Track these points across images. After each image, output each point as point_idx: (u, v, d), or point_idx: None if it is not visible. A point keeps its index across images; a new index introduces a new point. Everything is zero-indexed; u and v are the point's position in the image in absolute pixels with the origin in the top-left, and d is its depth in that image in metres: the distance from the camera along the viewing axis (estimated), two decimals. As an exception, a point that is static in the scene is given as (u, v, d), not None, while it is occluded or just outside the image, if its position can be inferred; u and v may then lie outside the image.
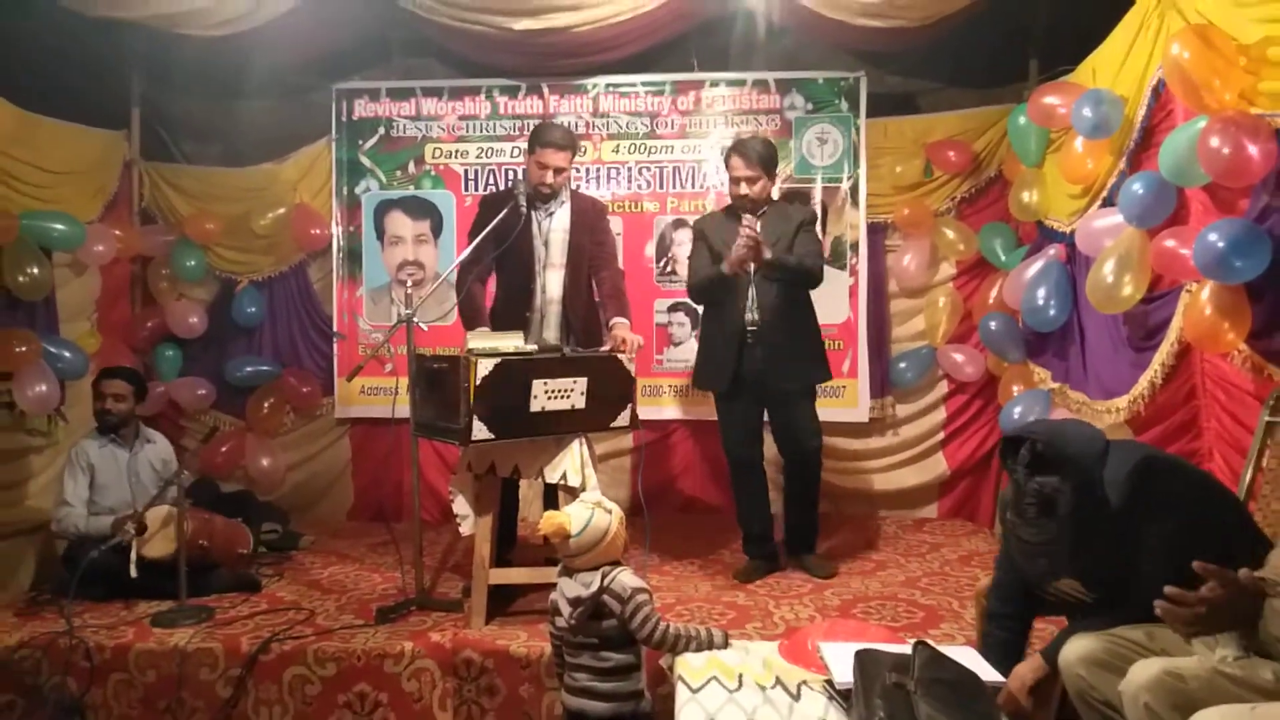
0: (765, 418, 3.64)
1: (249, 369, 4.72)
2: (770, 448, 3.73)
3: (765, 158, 3.49)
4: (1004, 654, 2.36)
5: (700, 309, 3.86)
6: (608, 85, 4.68)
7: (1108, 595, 2.21)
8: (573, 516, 2.31)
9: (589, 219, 3.61)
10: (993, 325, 4.22)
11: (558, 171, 3.48)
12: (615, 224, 4.03)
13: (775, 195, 3.77)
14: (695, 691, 2.18)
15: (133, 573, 3.30)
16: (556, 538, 2.29)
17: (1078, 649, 2.03)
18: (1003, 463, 2.26)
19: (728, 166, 3.55)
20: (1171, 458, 2.32)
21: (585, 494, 2.45)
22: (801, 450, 3.57)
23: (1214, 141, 2.55)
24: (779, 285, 3.46)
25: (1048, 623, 2.79)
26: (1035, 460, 2.09)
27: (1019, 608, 2.39)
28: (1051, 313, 3.75)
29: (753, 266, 3.43)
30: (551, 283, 3.55)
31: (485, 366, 2.89)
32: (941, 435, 4.63)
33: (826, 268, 4.43)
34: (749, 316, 3.46)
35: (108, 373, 3.76)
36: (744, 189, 3.47)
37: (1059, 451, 2.07)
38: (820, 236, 3.58)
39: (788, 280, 3.45)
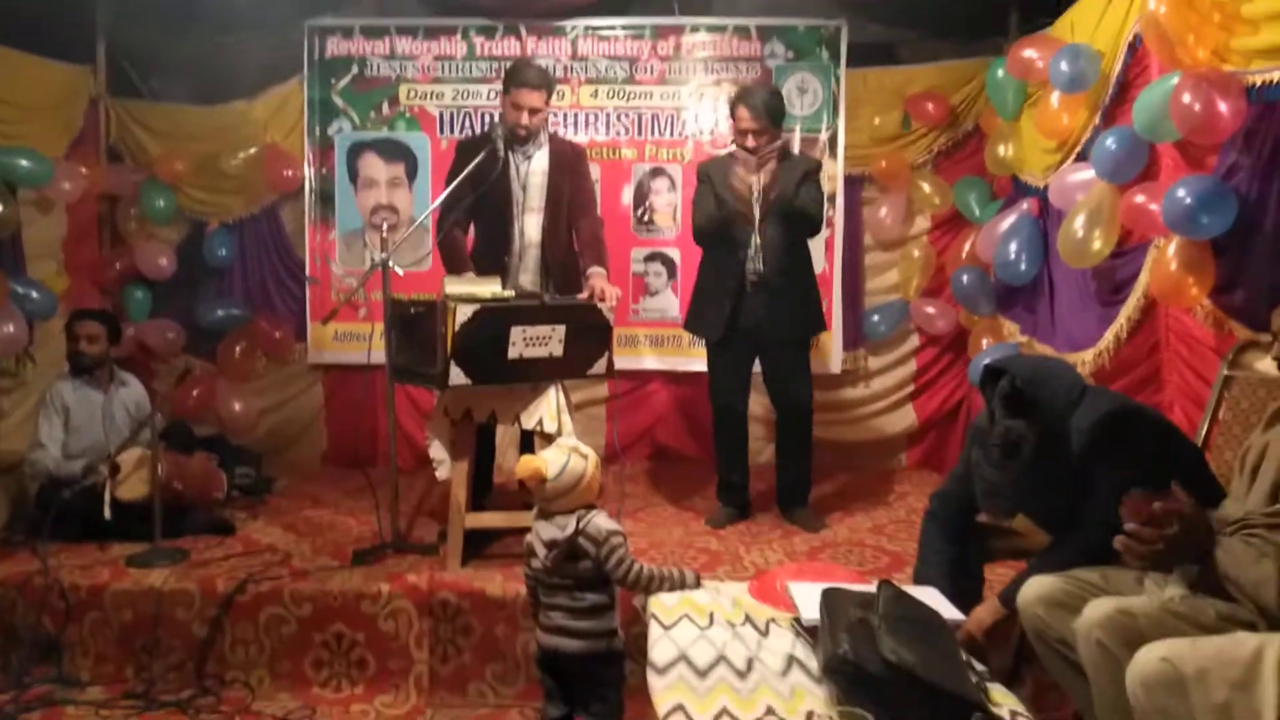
0: (755, 368, 3.65)
1: (220, 312, 4.68)
2: (755, 402, 3.74)
3: (773, 109, 3.43)
4: (932, 551, 2.54)
5: (693, 258, 3.82)
6: (586, 28, 4.62)
7: (1063, 536, 2.30)
8: (549, 461, 2.33)
9: (568, 162, 3.58)
10: (965, 279, 4.28)
11: (533, 112, 3.43)
12: (593, 171, 3.98)
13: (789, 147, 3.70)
14: (667, 629, 2.23)
15: (106, 514, 3.30)
16: (533, 481, 2.32)
17: (1035, 590, 2.11)
18: (981, 390, 2.33)
19: (733, 116, 3.49)
20: (1140, 408, 2.39)
21: (561, 439, 2.47)
22: (794, 402, 3.59)
23: (1186, 98, 2.59)
24: (784, 235, 3.43)
25: (1008, 568, 2.90)
26: (1012, 395, 2.15)
27: (955, 517, 2.54)
28: (1022, 267, 3.80)
29: (758, 214, 3.41)
30: (530, 226, 3.53)
31: (464, 313, 2.89)
32: (912, 387, 4.70)
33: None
34: (751, 265, 3.43)
35: (81, 314, 3.72)
36: (750, 141, 3.41)
37: (1035, 393, 2.14)
38: (822, 186, 3.53)
39: (793, 226, 3.43)
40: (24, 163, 3.87)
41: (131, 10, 4.63)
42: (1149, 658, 1.68)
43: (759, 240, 3.44)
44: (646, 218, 4.67)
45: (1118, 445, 2.16)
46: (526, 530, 3.23)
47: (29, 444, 3.56)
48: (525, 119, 3.43)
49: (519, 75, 3.44)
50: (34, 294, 3.91)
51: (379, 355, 3.30)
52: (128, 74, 4.76)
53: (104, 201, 4.67)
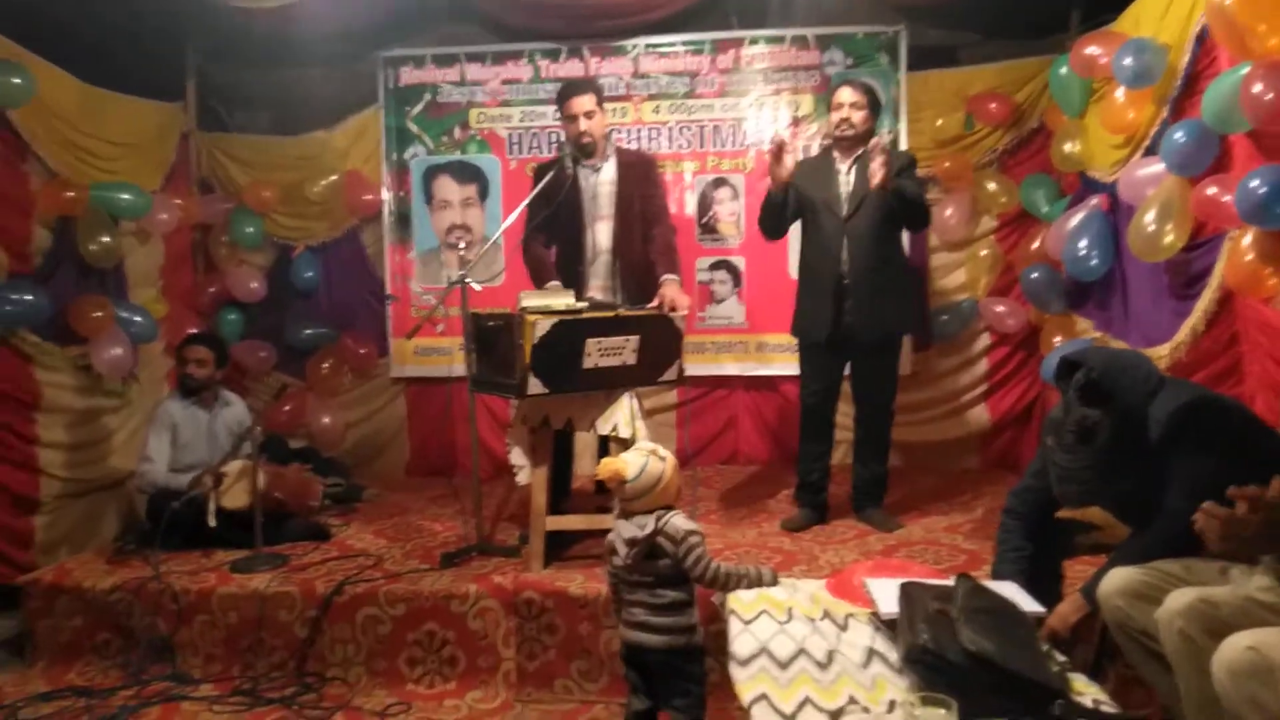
0: (846, 371, 3.66)
1: (308, 331, 4.91)
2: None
3: (871, 90, 3.49)
4: (1010, 549, 2.54)
5: (759, 265, 3.83)
6: (647, 46, 4.74)
7: (1141, 527, 2.30)
8: (629, 462, 2.42)
9: (637, 171, 3.68)
10: (1034, 276, 4.26)
11: (588, 115, 3.54)
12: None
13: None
14: (747, 623, 2.30)
15: (211, 522, 3.51)
16: (613, 482, 2.41)
17: (1116, 581, 2.12)
18: (1056, 383, 2.34)
19: (833, 103, 3.52)
20: (1221, 399, 2.38)
21: (641, 442, 2.55)
22: (878, 402, 3.61)
23: (1257, 87, 2.57)
24: (871, 233, 3.43)
25: (1087, 564, 2.89)
26: (1088, 387, 2.17)
27: (1033, 513, 2.54)
28: (1093, 263, 3.77)
29: (845, 212, 3.45)
30: (601, 234, 3.65)
31: (543, 326, 3.00)
32: (984, 387, 4.68)
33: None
34: (843, 268, 3.45)
35: (192, 339, 3.95)
36: (850, 113, 3.44)
37: (1111, 383, 2.15)
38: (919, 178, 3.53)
39: (908, 217, 3.43)
40: (125, 197, 4.13)
41: (217, 50, 4.93)
42: (1235, 646, 1.69)
43: (847, 241, 3.45)
44: (710, 226, 4.75)
45: (1197, 434, 2.15)
46: (604, 532, 3.33)
47: (138, 458, 3.79)
48: (583, 125, 3.55)
49: (564, 91, 3.62)
50: (137, 319, 4.16)
51: (459, 369, 3.44)
52: (215, 110, 5.05)
53: (197, 230, 4.94)
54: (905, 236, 4.19)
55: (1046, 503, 2.52)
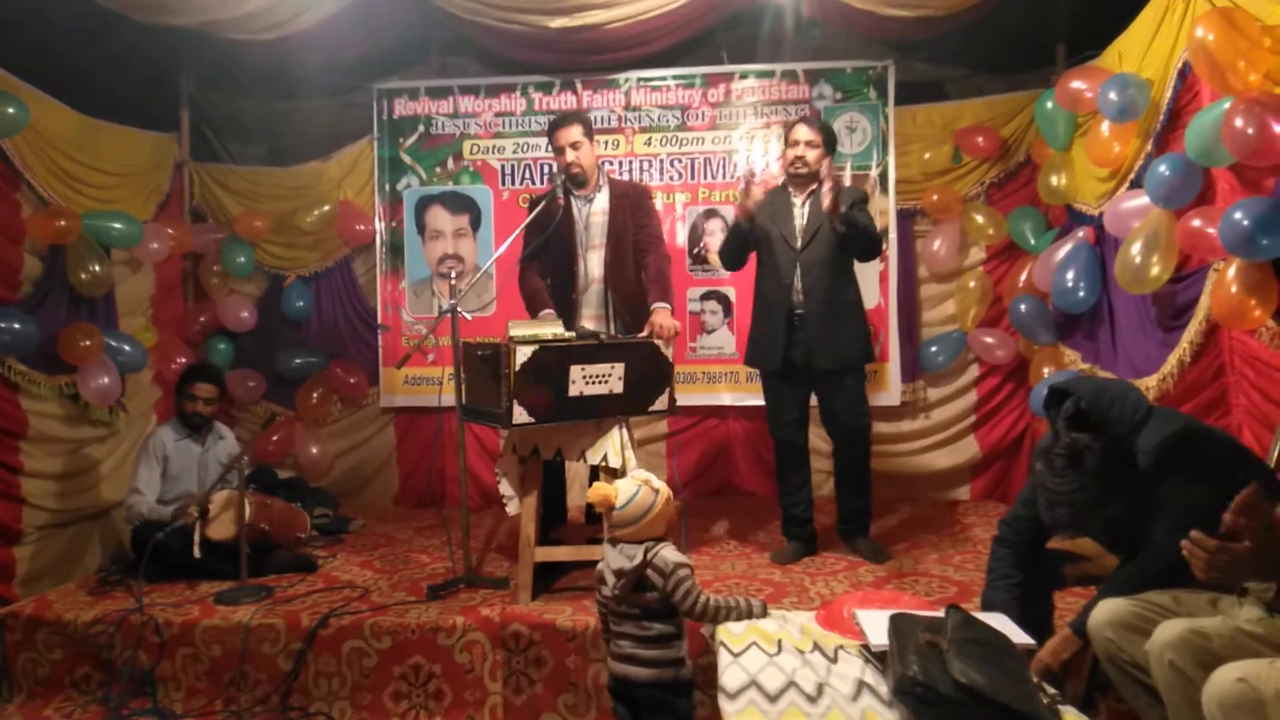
0: (813, 401, 3.68)
1: (298, 361, 4.90)
2: (818, 435, 3.77)
3: (826, 129, 3.58)
4: (999, 577, 2.52)
5: (749, 295, 3.86)
6: (639, 79, 4.79)
7: (1131, 558, 2.30)
8: (620, 489, 2.41)
9: (629, 201, 3.71)
10: (1023, 308, 4.28)
11: (574, 146, 3.59)
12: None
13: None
14: (736, 656, 2.28)
15: (196, 553, 3.47)
16: (602, 507, 2.41)
17: (1106, 613, 2.11)
18: (1045, 412, 2.35)
19: (788, 139, 3.60)
20: (1208, 428, 2.39)
21: (636, 471, 2.53)
22: (848, 431, 3.60)
23: (1239, 122, 2.61)
24: (824, 265, 3.49)
25: (1077, 595, 2.88)
26: (1077, 416, 2.17)
27: (1024, 543, 2.53)
28: (1081, 294, 3.80)
29: (799, 244, 3.50)
30: (593, 263, 3.66)
31: (523, 354, 3.02)
32: (973, 418, 4.69)
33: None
34: (795, 299, 3.51)
35: (198, 375, 3.92)
36: (804, 151, 3.51)
37: (1100, 412, 2.16)
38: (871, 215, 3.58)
39: (859, 246, 3.45)
40: (116, 226, 4.13)
41: (212, 81, 4.97)
42: (1225, 678, 1.68)
43: (799, 271, 3.51)
44: (701, 256, 4.78)
45: (1186, 464, 2.16)
46: (594, 563, 3.30)
47: (127, 489, 3.75)
48: (570, 156, 3.59)
49: (551, 124, 3.68)
50: (126, 347, 4.14)
51: (449, 399, 3.43)
52: (209, 140, 5.07)
53: (188, 259, 4.94)
54: (863, 270, 4.20)
55: (1037, 531, 2.52)
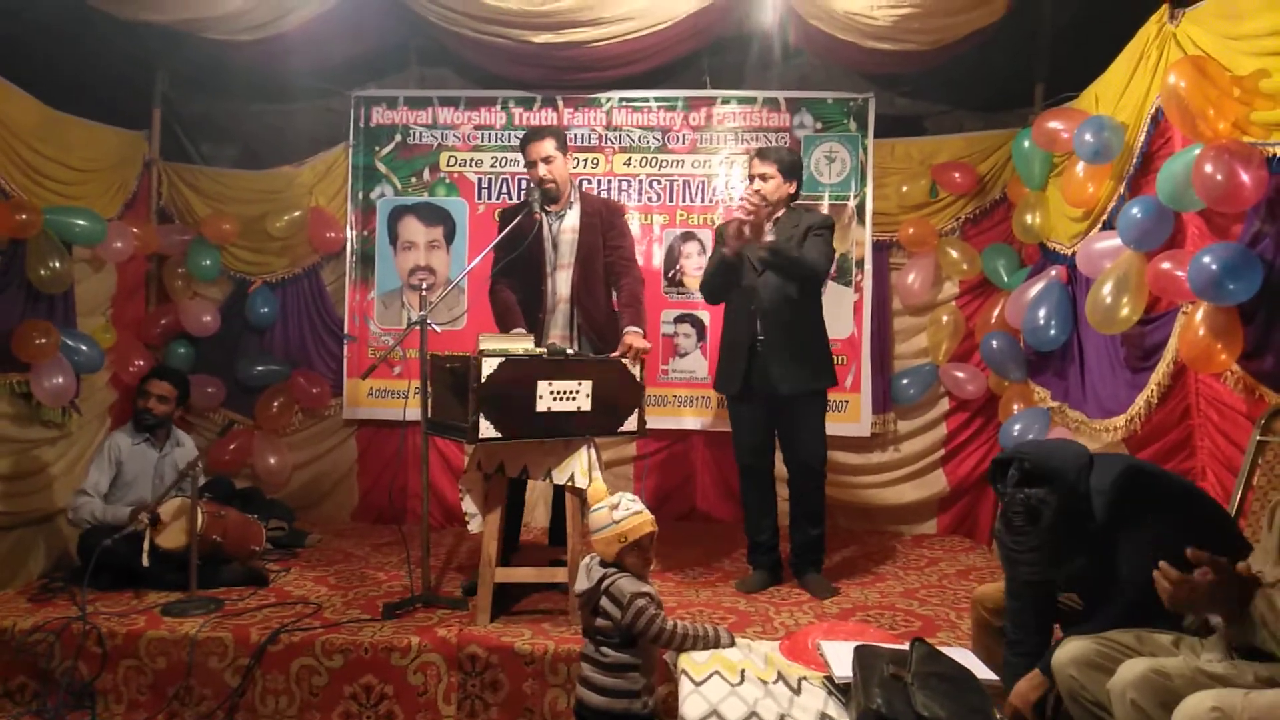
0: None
1: (260, 368, 4.79)
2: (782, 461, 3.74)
3: (782, 159, 3.55)
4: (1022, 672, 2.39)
5: (711, 317, 3.88)
6: (621, 99, 4.79)
7: (1096, 601, 2.29)
8: (599, 497, 2.41)
9: (602, 219, 3.68)
10: (994, 344, 4.30)
11: (546, 160, 3.56)
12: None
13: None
14: (698, 685, 2.24)
15: (144, 561, 3.37)
16: (590, 500, 2.39)
17: (1070, 651, 2.10)
18: (992, 484, 2.34)
19: (749, 168, 3.62)
20: (1153, 467, 2.41)
21: (625, 495, 2.48)
22: (802, 461, 3.58)
23: (1208, 168, 2.65)
24: (782, 292, 3.47)
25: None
26: (1024, 478, 2.17)
27: (1034, 632, 2.43)
28: (1052, 333, 3.83)
29: (758, 271, 3.48)
30: (561, 283, 3.63)
31: (490, 365, 2.98)
32: (942, 452, 4.70)
33: (832, 284, 4.56)
34: (757, 323, 3.49)
35: (157, 373, 3.82)
36: (755, 184, 3.51)
37: (1045, 467, 2.16)
38: (830, 240, 3.55)
39: (786, 272, 3.44)
40: (80, 222, 4.03)
41: (188, 80, 4.88)
42: (1199, 706, 1.68)
43: (761, 295, 3.50)
44: (677, 279, 4.76)
45: (1142, 500, 2.16)
46: (555, 586, 3.27)
47: (74, 490, 3.64)
48: (542, 170, 3.56)
49: (525, 136, 3.66)
50: (83, 347, 4.03)
51: (413, 412, 3.37)
52: (180, 139, 4.98)
53: (152, 259, 4.83)
54: (837, 300, 4.45)
55: (1040, 613, 2.44)
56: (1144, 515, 2.13)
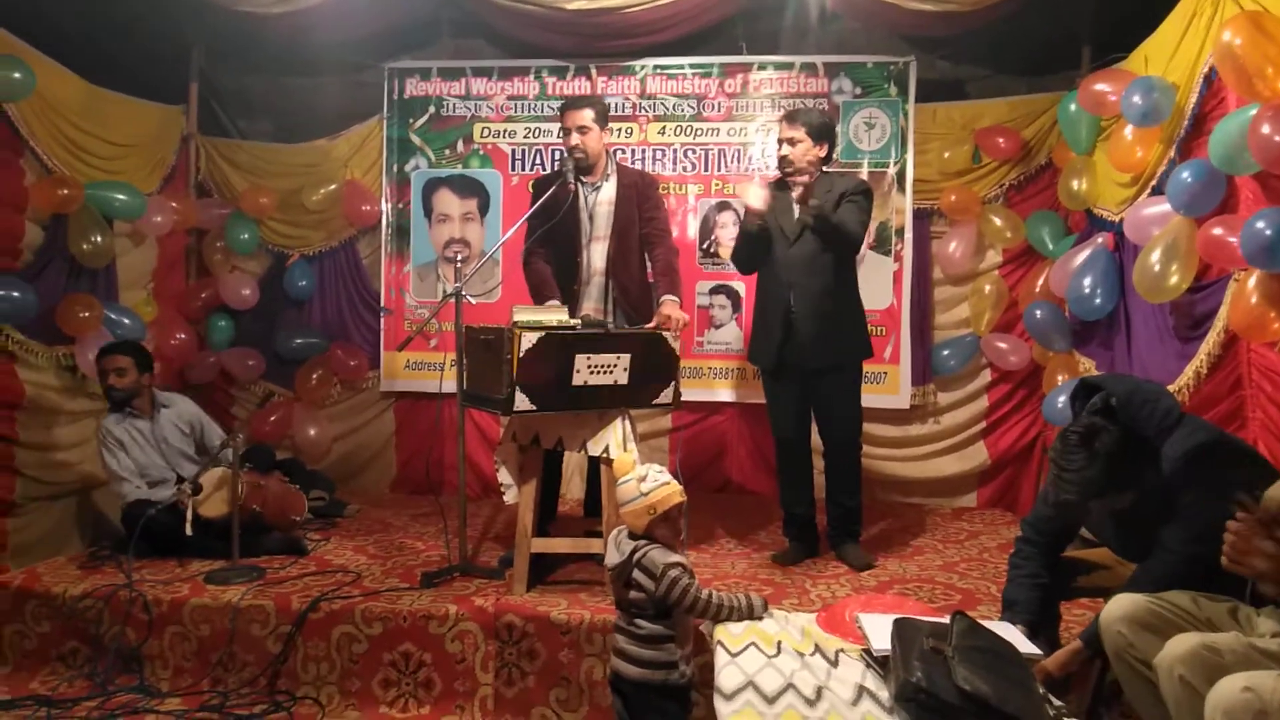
0: None
1: (298, 341, 4.84)
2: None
3: (811, 122, 3.44)
4: (1024, 575, 2.47)
5: (747, 288, 3.83)
6: (655, 67, 4.72)
7: (1132, 551, 2.26)
8: (627, 469, 2.42)
9: (638, 191, 3.64)
10: (1038, 314, 4.21)
11: (581, 131, 3.53)
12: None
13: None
14: (734, 656, 2.23)
15: (188, 531, 3.42)
16: (617, 472, 2.44)
17: (1121, 607, 2.06)
18: (1071, 403, 2.29)
19: (779, 133, 3.53)
20: (1237, 442, 2.34)
21: (654, 467, 2.46)
22: (837, 433, 3.54)
23: (1265, 129, 2.55)
24: (817, 260, 3.40)
25: (1084, 608, 2.83)
26: (1104, 411, 2.13)
27: (1048, 540, 2.49)
28: (1098, 301, 3.73)
29: (793, 237, 3.43)
30: (596, 255, 3.60)
31: (529, 340, 2.96)
32: (983, 424, 4.62)
33: (871, 253, 4.49)
34: (791, 294, 3.43)
35: (107, 349, 3.74)
36: (784, 149, 3.44)
37: (1130, 412, 2.11)
38: (867, 207, 3.46)
39: (826, 238, 3.37)
40: (120, 197, 4.08)
41: (223, 55, 4.91)
42: (1231, 687, 1.65)
43: (795, 265, 3.44)
44: (712, 250, 4.71)
45: (1209, 476, 2.11)
46: (591, 557, 3.27)
47: (113, 481, 3.67)
48: (575, 139, 3.53)
49: (565, 103, 3.65)
50: (126, 320, 4.10)
51: (450, 384, 3.38)
52: (217, 114, 5.01)
53: (192, 234, 4.89)
54: (876, 270, 4.39)
55: (1060, 531, 2.48)
56: (1209, 490, 2.06)
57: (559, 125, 3.73)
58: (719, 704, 2.09)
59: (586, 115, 3.54)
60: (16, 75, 3.46)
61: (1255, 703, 1.58)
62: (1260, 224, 2.57)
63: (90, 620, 3.14)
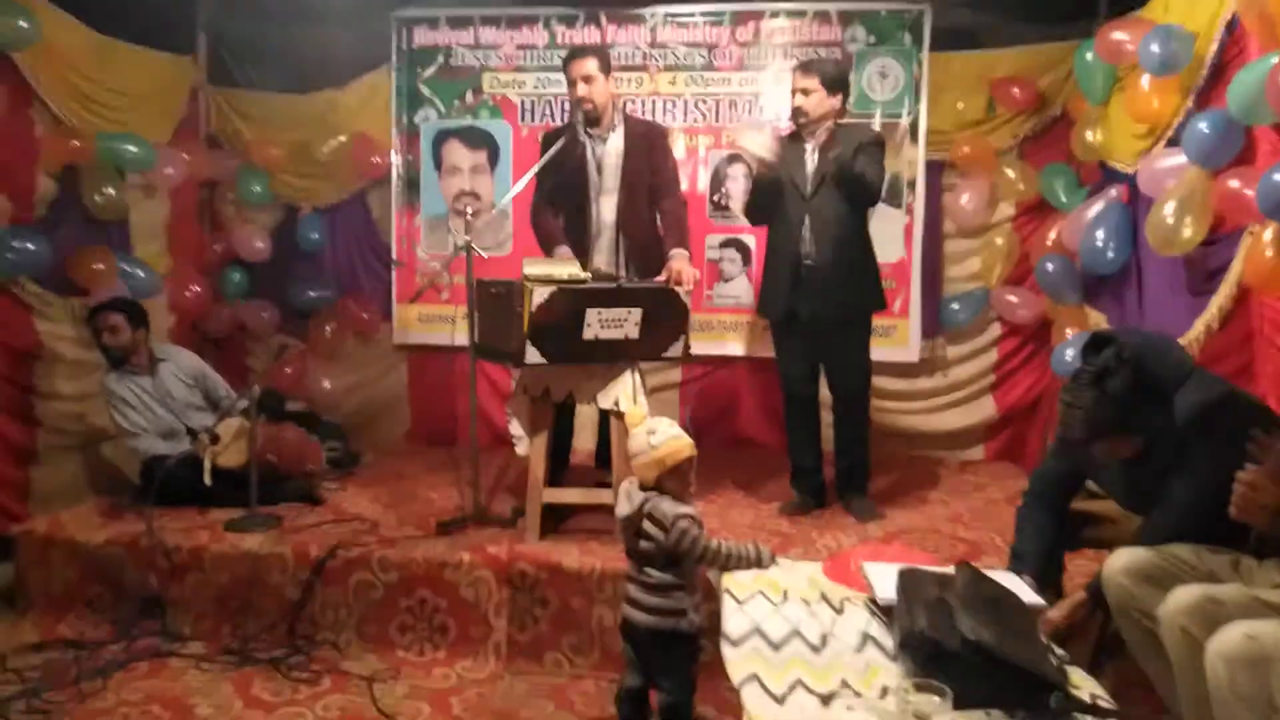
0: None
1: (311, 293, 4.87)
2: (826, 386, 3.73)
3: (825, 72, 3.41)
4: (1030, 530, 2.52)
5: (757, 241, 3.83)
6: (666, 15, 4.65)
7: (1137, 502, 2.28)
8: (638, 422, 2.44)
9: (646, 142, 3.62)
10: (1050, 267, 4.19)
11: (587, 80, 3.49)
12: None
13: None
14: (741, 603, 2.27)
15: (206, 480, 3.48)
16: (629, 425, 2.47)
17: (1123, 559, 2.09)
18: (1082, 358, 2.30)
19: (792, 84, 3.49)
20: (1249, 398, 2.34)
21: (663, 421, 2.47)
22: (847, 385, 3.56)
23: (1288, 78, 2.50)
24: (835, 209, 3.40)
25: (1088, 559, 2.86)
26: (1116, 364, 2.13)
27: (1056, 491, 2.54)
28: (1110, 255, 3.72)
29: (809, 189, 3.41)
30: (605, 208, 3.59)
31: (541, 295, 2.96)
32: (992, 378, 4.63)
33: (882, 205, 4.43)
34: (804, 249, 3.44)
35: (100, 307, 3.72)
36: (797, 99, 3.41)
37: (1142, 365, 2.12)
38: (881, 159, 3.44)
39: (849, 188, 3.35)
40: (131, 149, 4.07)
41: (231, 4, 4.84)
42: (1233, 634, 1.67)
43: (809, 222, 3.42)
44: (723, 203, 4.69)
45: (1218, 431, 2.11)
46: (602, 507, 3.32)
47: (126, 438, 3.70)
48: (581, 90, 3.49)
49: (568, 55, 3.60)
50: (139, 273, 4.13)
51: (461, 337, 3.40)
52: (226, 64, 4.98)
53: (204, 187, 4.89)
54: (886, 222, 4.34)
55: (1067, 482, 2.52)
56: (1219, 445, 2.06)
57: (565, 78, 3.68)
58: (726, 649, 2.14)
59: (590, 65, 3.50)
60: (22, 23, 3.44)
61: (1257, 651, 1.61)
62: (1278, 176, 2.54)
63: (113, 566, 3.22)
